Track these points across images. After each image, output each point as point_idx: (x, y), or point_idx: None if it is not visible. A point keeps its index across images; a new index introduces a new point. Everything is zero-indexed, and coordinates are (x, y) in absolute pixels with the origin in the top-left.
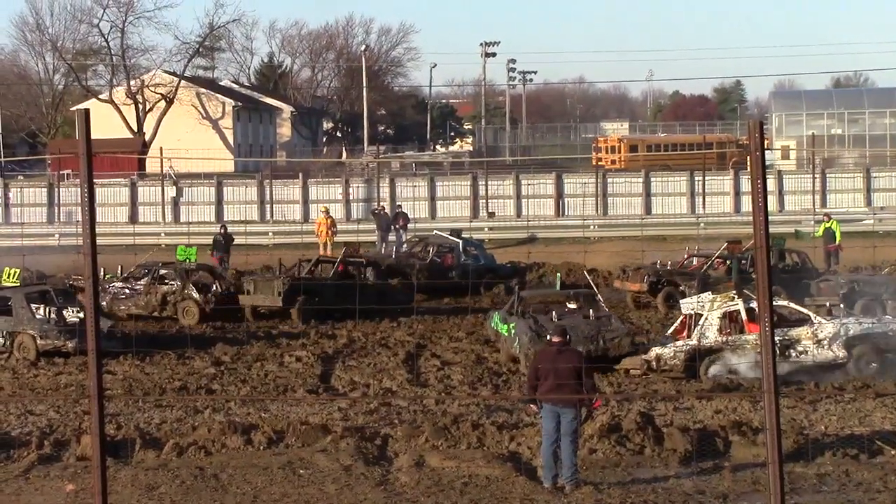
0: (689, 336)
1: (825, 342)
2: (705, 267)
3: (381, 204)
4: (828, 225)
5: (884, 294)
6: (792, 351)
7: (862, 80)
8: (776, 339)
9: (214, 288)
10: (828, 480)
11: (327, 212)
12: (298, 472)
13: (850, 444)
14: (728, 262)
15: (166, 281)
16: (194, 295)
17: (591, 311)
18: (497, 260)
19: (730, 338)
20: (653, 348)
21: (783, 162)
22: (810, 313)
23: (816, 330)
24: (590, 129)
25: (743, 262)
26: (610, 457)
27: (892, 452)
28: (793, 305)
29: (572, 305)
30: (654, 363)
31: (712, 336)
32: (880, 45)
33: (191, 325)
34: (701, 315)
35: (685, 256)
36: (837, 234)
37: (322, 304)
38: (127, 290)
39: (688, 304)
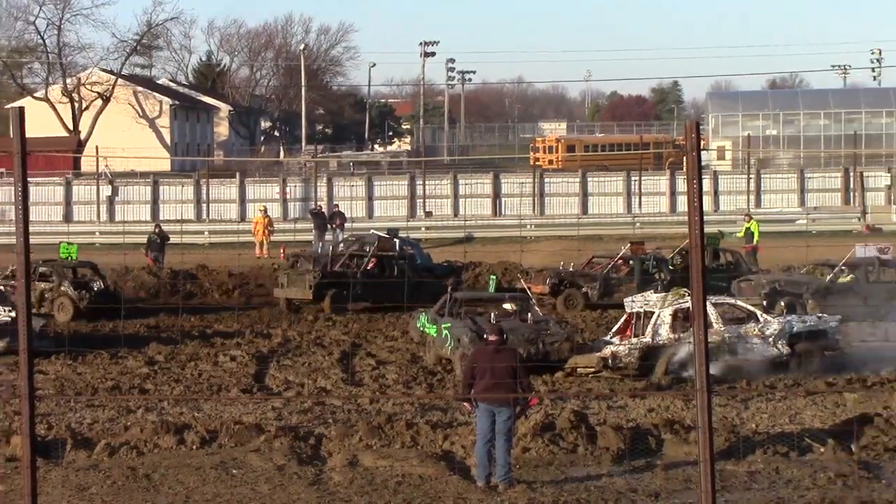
0: (633, 335)
1: (770, 339)
2: (607, 268)
3: (319, 203)
4: (748, 225)
5: (804, 293)
6: (740, 348)
7: (797, 82)
8: (726, 336)
9: (97, 286)
10: (758, 478)
11: (265, 211)
12: (231, 472)
13: (780, 441)
14: (630, 263)
15: (48, 278)
16: (70, 292)
17: (528, 314)
18: (434, 259)
19: (684, 334)
20: (607, 346)
21: (719, 162)
22: (756, 311)
23: (763, 327)
24: (528, 129)
25: (646, 263)
26: (543, 455)
27: (822, 450)
28: (739, 303)
29: (508, 307)
30: (609, 361)
31: (665, 334)
32: (815, 47)
33: (67, 322)
34: (644, 314)
35: (591, 257)
36: (756, 235)
37: (353, 297)
38: (9, 288)
39: (632, 304)
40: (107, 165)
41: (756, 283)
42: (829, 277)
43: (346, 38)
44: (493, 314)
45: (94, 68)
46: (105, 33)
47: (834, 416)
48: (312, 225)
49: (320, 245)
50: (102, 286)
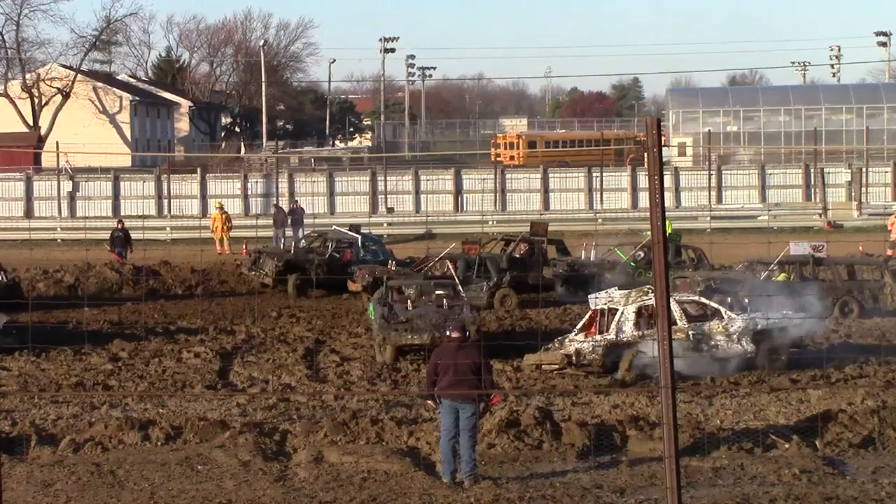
0: (597, 332)
1: (735, 336)
2: (427, 267)
3: (280, 199)
4: None
5: (740, 291)
6: (704, 345)
7: (757, 79)
8: (690, 333)
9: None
10: (723, 474)
11: (222, 207)
12: (196, 468)
13: (744, 438)
14: (456, 262)
15: None
16: None
17: (444, 300)
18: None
19: (647, 331)
20: (572, 343)
21: (680, 159)
22: (721, 308)
23: (727, 324)
24: (488, 125)
25: (473, 264)
26: (508, 451)
27: (786, 446)
28: (703, 300)
29: (438, 292)
30: (573, 358)
31: (629, 331)
32: (775, 44)
33: None
34: (608, 311)
35: (425, 255)
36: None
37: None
38: None
39: (596, 300)
40: (67, 161)
41: (691, 281)
42: (763, 275)
43: (306, 34)
44: (409, 300)
45: (54, 64)
46: (64, 29)
47: (798, 413)
48: (273, 221)
49: (281, 241)
50: (4, 280)
